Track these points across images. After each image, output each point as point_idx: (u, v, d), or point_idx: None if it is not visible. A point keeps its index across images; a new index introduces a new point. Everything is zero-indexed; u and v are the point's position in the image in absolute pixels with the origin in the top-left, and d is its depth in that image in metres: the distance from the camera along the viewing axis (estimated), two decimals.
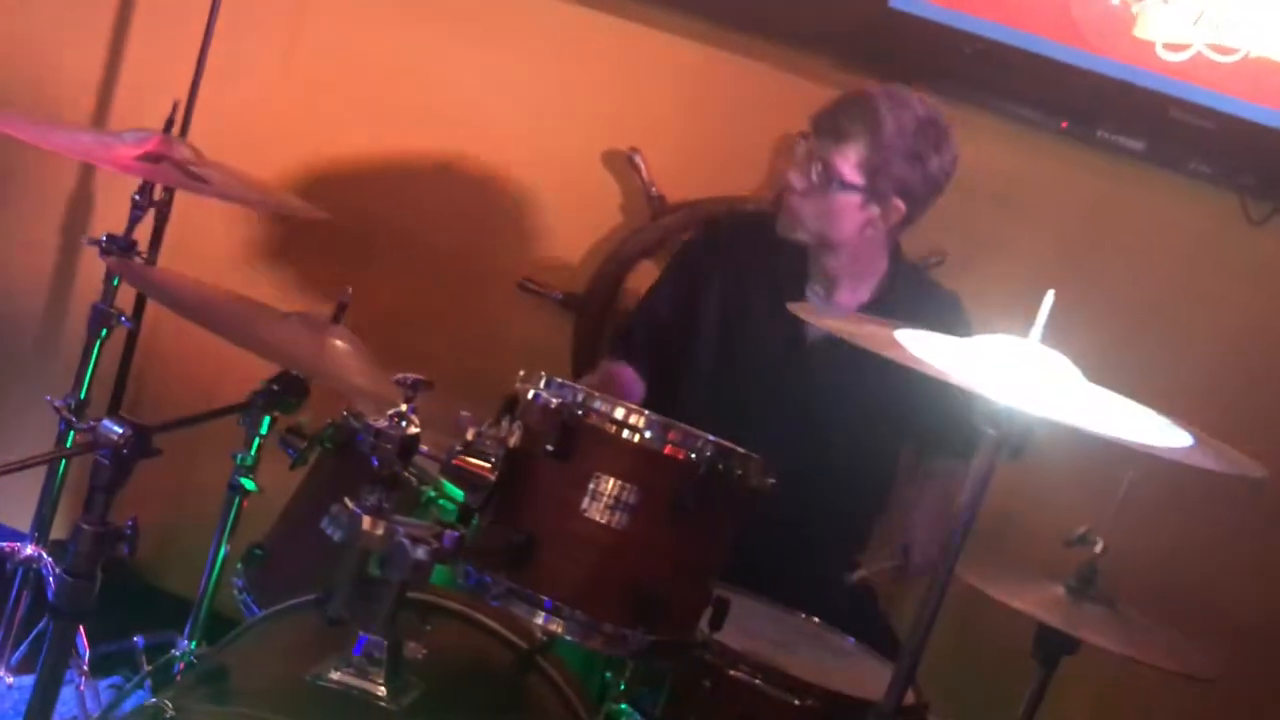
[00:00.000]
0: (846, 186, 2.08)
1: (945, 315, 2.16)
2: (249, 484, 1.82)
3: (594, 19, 2.60)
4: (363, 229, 2.66)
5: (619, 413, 1.46)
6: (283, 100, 2.71)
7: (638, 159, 2.61)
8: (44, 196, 2.75)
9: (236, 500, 1.83)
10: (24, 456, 1.51)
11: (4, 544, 2.17)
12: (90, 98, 2.72)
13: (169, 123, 2.02)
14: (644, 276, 2.61)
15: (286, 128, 2.70)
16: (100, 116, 2.70)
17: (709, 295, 2.28)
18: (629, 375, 2.30)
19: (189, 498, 2.49)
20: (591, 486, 1.43)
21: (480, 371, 2.48)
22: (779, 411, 2.22)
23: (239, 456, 1.80)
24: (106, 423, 1.50)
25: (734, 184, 2.61)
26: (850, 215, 2.12)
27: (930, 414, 2.04)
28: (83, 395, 2.22)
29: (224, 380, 2.27)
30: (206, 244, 2.65)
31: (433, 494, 1.82)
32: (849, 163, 2.07)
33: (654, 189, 2.61)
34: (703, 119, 2.65)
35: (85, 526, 1.38)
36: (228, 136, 2.46)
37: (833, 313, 2.11)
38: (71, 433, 2.21)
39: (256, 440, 1.77)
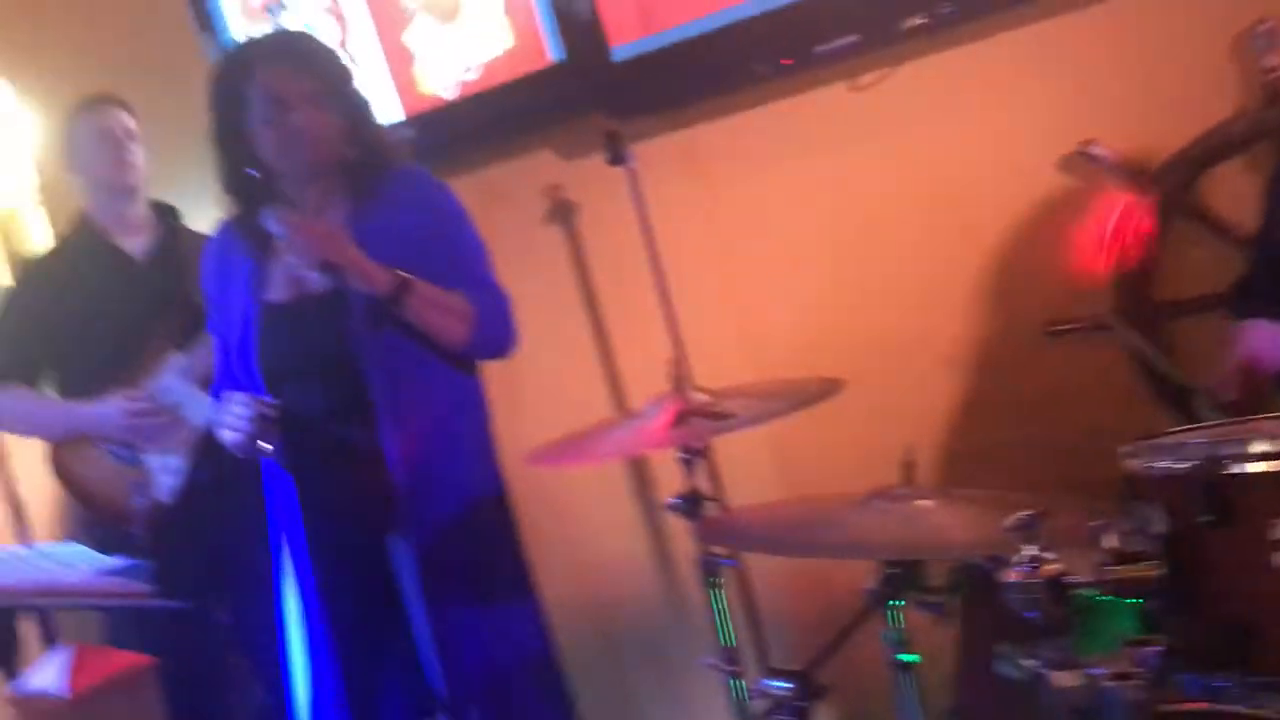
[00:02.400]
0: None
1: None
2: (909, 658, 1.79)
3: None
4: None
5: (1257, 446, 1.26)
6: (744, 298, 2.76)
7: (1096, 150, 2.38)
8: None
9: (907, 678, 1.80)
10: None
11: None
12: (596, 395, 2.93)
13: (676, 380, 2.10)
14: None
15: (758, 320, 2.75)
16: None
17: None
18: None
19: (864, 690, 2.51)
20: (1273, 538, 1.24)
21: (1056, 450, 2.33)
22: None
23: (887, 635, 1.77)
24: (765, 682, 1.53)
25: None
26: None
27: None
28: (728, 642, 2.33)
29: (831, 584, 2.28)
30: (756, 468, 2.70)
31: None
32: None
33: (1123, 172, 2.35)
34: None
35: None
36: (720, 361, 2.56)
37: None
38: (735, 682, 2.31)
39: (898, 619, 1.75)
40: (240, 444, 2.00)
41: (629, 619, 3.06)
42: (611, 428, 2.08)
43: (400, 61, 2.93)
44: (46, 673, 1.15)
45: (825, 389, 2.07)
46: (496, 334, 2.13)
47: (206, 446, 2.58)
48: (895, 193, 2.55)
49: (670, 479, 2.41)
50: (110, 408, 2.63)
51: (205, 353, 2.55)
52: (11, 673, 1.80)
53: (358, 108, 2.13)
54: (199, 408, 2.61)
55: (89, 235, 2.81)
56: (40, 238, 5.31)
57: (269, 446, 1.99)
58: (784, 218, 2.68)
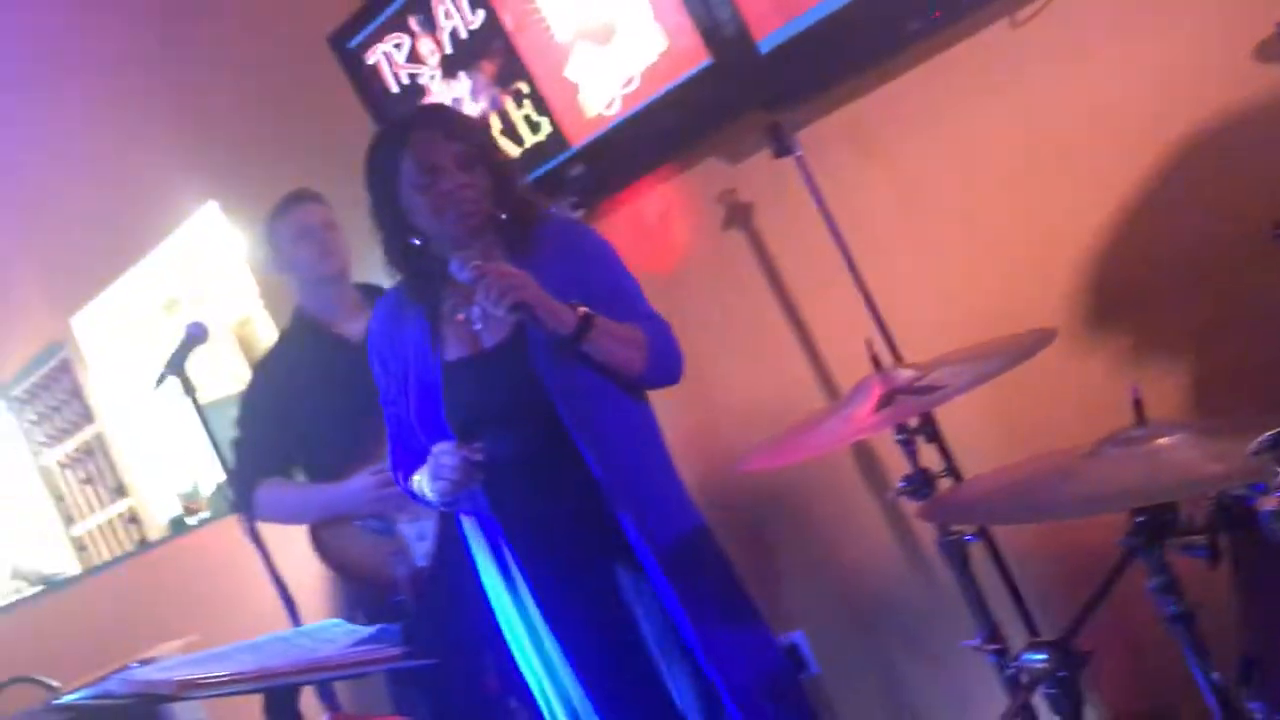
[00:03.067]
0: None
1: None
2: (1183, 609, 1.66)
3: None
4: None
5: None
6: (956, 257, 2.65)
7: None
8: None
9: (1184, 630, 1.67)
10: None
11: None
12: (807, 392, 2.88)
13: (875, 360, 2.04)
14: None
15: (956, 282, 2.63)
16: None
17: None
18: None
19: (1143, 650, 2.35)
20: None
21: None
22: None
23: (1153, 588, 1.65)
24: (1024, 657, 1.46)
25: None
26: None
27: None
28: (987, 621, 2.24)
29: (1082, 542, 2.14)
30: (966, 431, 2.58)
31: None
32: None
33: None
34: None
35: None
36: (925, 331, 2.46)
37: None
38: (1001, 660, 2.22)
39: (1162, 567, 1.62)
40: (448, 492, 2.05)
41: (885, 612, 2.98)
42: (820, 420, 2.03)
43: (565, 97, 2.98)
44: None
45: (1038, 341, 1.96)
46: (668, 360, 2.17)
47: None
48: (1079, 122, 2.40)
49: (900, 461, 2.35)
50: (357, 485, 2.75)
51: None
52: None
53: (502, 167, 2.19)
54: None
55: (307, 327, 2.96)
56: (268, 339, 5.70)
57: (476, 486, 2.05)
58: (963, 171, 2.56)
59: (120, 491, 5.82)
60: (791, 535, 3.09)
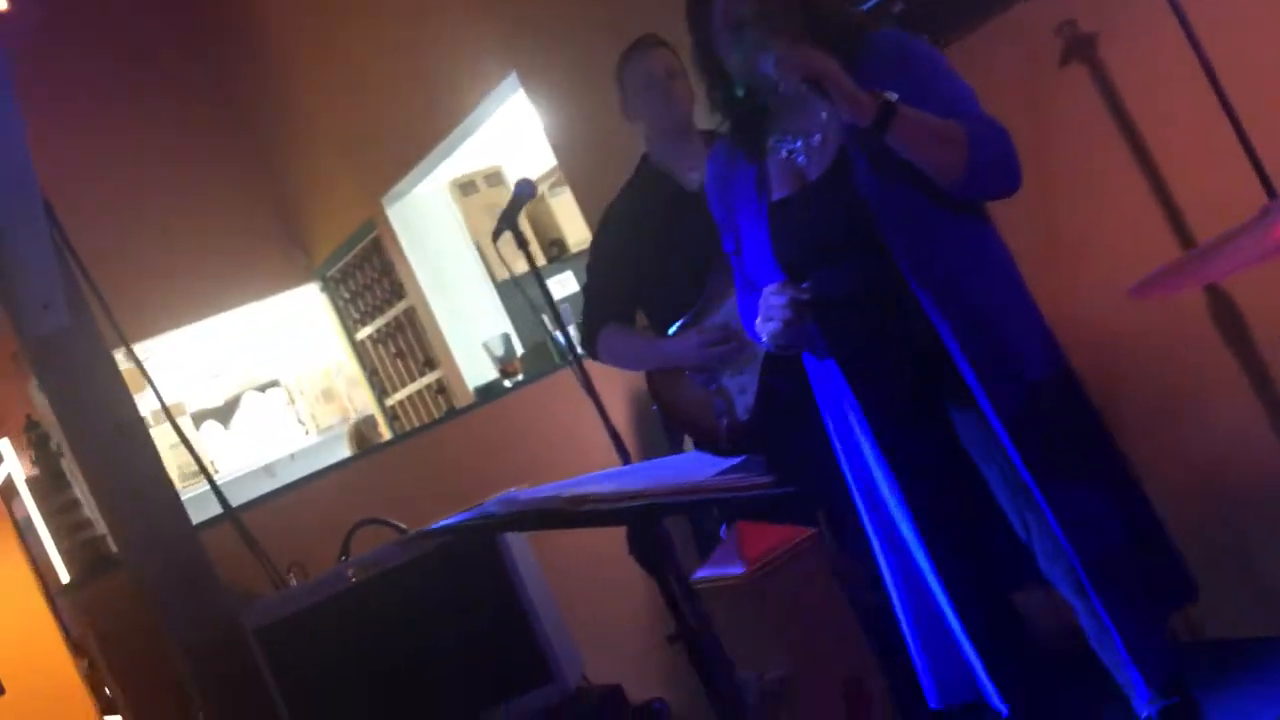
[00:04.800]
0: None
1: None
2: None
3: None
4: None
5: None
6: None
7: None
8: None
9: None
10: None
11: None
12: (1156, 235, 2.65)
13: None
14: None
15: None
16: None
17: None
18: None
19: None
20: None
21: None
22: None
23: None
24: None
25: None
26: None
27: None
28: None
29: None
30: None
31: None
32: None
33: None
34: None
35: None
36: None
37: None
38: None
39: None
40: (780, 334, 2.01)
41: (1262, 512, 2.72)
42: (1219, 247, 1.80)
43: None
44: (720, 556, 1.20)
45: None
46: (999, 161, 1.98)
47: (773, 362, 2.65)
48: None
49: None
50: (688, 341, 2.76)
51: None
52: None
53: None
54: None
55: (652, 176, 2.97)
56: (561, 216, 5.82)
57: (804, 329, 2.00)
58: None
59: (429, 364, 6.14)
60: (1168, 432, 2.84)
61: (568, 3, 4.01)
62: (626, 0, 3.70)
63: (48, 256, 2.73)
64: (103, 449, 2.83)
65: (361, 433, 6.55)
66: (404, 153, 5.35)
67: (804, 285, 1.98)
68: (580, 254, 6.00)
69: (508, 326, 5.65)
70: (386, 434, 6.74)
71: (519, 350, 4.94)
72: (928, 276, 1.96)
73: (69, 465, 3.15)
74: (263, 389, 7.01)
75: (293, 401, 7.08)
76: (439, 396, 6.18)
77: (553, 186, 6.18)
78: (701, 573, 1.96)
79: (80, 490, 3.15)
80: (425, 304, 5.67)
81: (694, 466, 1.59)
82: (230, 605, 2.80)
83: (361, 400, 7.00)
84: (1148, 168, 2.66)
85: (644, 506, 1.45)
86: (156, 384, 2.87)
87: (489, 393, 5.51)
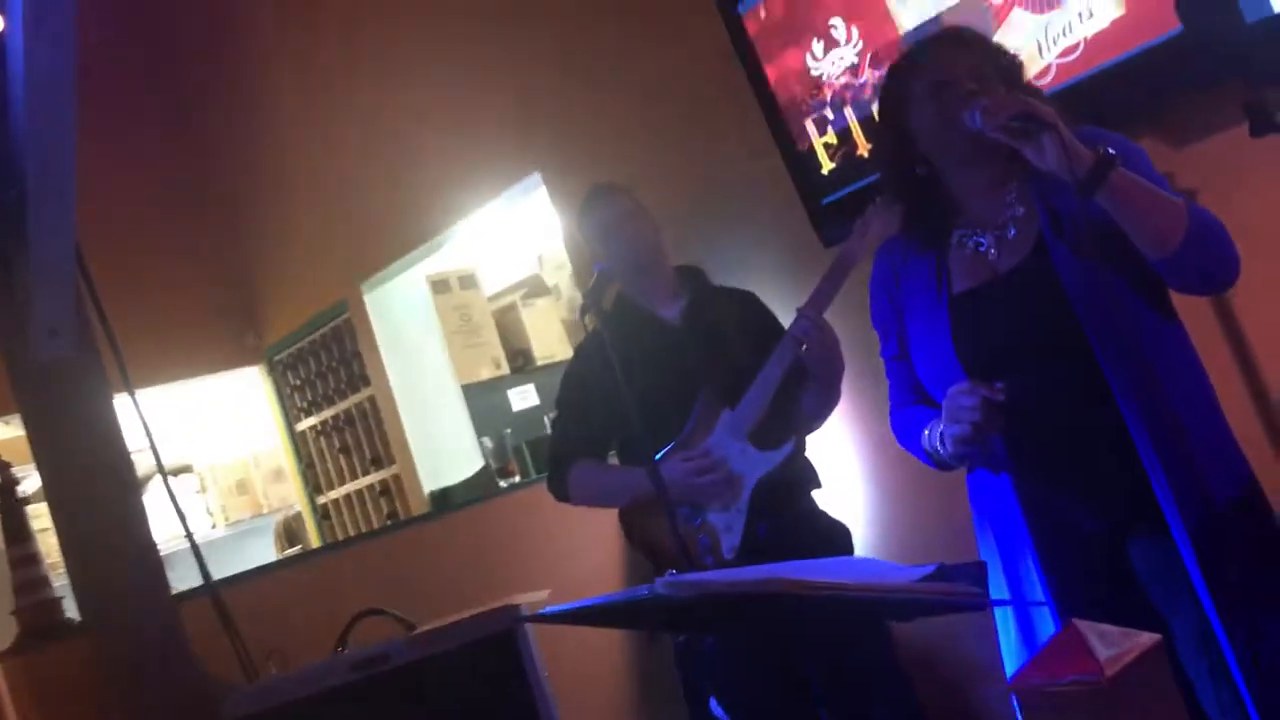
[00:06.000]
0: None
1: None
2: None
3: None
4: None
5: None
6: None
7: None
8: None
9: None
10: None
11: None
12: None
13: None
14: None
15: None
16: None
17: None
18: None
19: None
20: None
21: None
22: None
23: None
24: None
25: None
26: None
27: None
28: None
29: None
30: None
31: None
32: None
33: None
34: None
35: None
36: None
37: None
38: None
39: None
40: (968, 438, 1.81)
41: None
42: None
43: None
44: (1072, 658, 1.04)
45: None
46: (1216, 236, 1.78)
47: (762, 502, 2.58)
48: None
49: None
50: (674, 468, 2.58)
51: (751, 408, 2.58)
52: None
53: (1016, 74, 1.98)
54: (751, 463, 2.59)
55: (627, 307, 2.86)
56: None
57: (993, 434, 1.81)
58: None
59: (376, 463, 5.84)
60: None
61: (591, 102, 3.95)
62: (651, 106, 3.67)
63: (68, 280, 2.49)
64: (84, 495, 2.54)
65: (291, 529, 6.20)
66: (393, 241, 5.17)
67: (998, 385, 1.79)
68: (546, 367, 5.87)
69: (469, 431, 5.43)
70: (314, 532, 6.37)
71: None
72: (1136, 384, 1.76)
73: (34, 514, 2.83)
74: (175, 473, 6.58)
75: (204, 490, 6.68)
76: (382, 498, 5.87)
77: (525, 297, 6.07)
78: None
79: (43, 545, 2.83)
80: (390, 397, 5.42)
81: (873, 568, 1.42)
82: (208, 690, 2.49)
83: (279, 496, 6.64)
84: (1233, 337, 2.63)
85: (880, 601, 1.26)
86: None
87: (444, 500, 5.26)
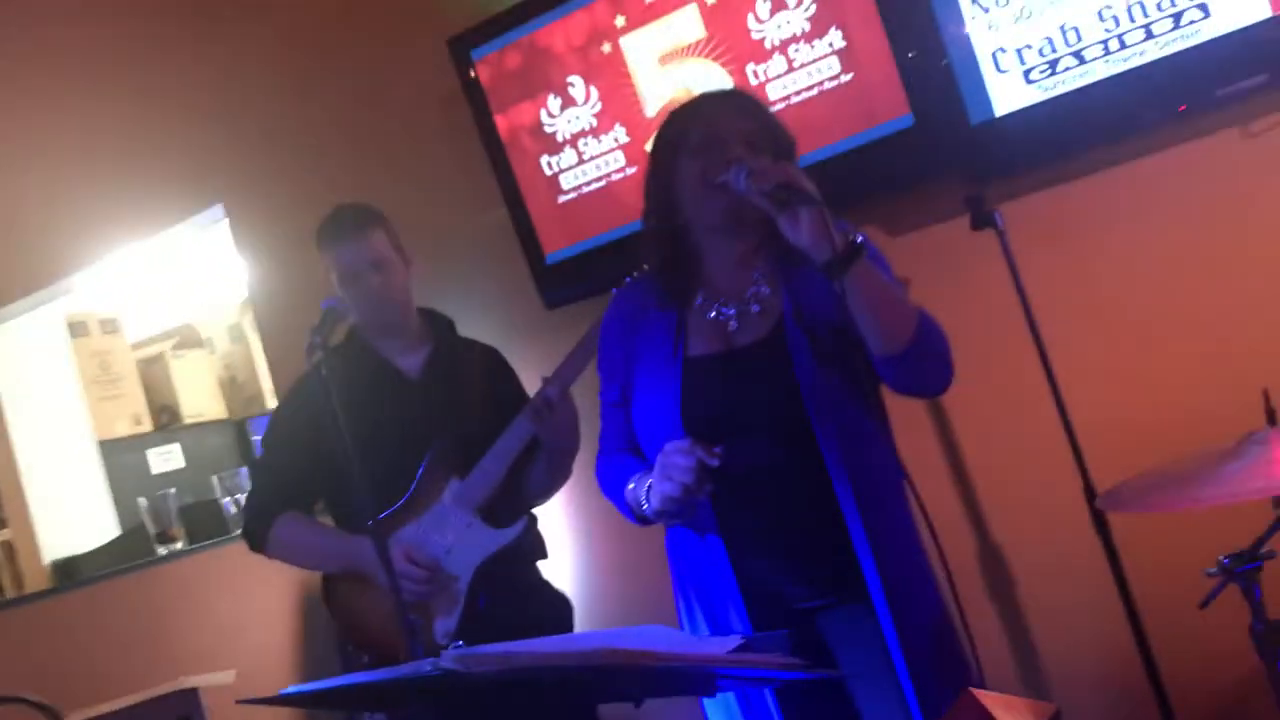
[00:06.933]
0: None
1: None
2: None
3: None
4: None
5: None
6: None
7: None
8: None
9: None
10: None
11: None
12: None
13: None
14: None
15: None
16: None
17: None
18: None
19: None
20: None
21: None
22: None
23: None
24: None
25: None
26: None
27: None
28: None
29: None
30: None
31: None
32: None
33: None
34: None
35: None
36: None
37: None
38: None
39: None
40: (674, 497, 1.79)
41: None
42: (1203, 470, 1.77)
43: None
44: None
45: None
46: (940, 342, 1.88)
47: (485, 572, 2.41)
48: None
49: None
50: (393, 550, 2.26)
51: (484, 479, 2.40)
52: None
53: (788, 149, 1.98)
54: (478, 539, 2.41)
55: (359, 350, 2.59)
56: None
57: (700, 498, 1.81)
58: (1167, 276, 2.51)
59: None
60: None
61: (278, 136, 3.66)
62: (368, 141, 3.45)
63: None
64: None
65: None
66: (25, 274, 4.54)
67: (716, 449, 1.77)
68: (195, 426, 5.38)
69: (106, 492, 4.84)
70: None
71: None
72: (850, 474, 1.82)
73: None
74: None
75: None
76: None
77: (176, 347, 5.56)
78: None
79: None
80: (10, 451, 4.72)
81: (680, 640, 1.29)
82: None
83: None
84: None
85: (715, 672, 1.12)
86: None
87: (69, 571, 4.62)
